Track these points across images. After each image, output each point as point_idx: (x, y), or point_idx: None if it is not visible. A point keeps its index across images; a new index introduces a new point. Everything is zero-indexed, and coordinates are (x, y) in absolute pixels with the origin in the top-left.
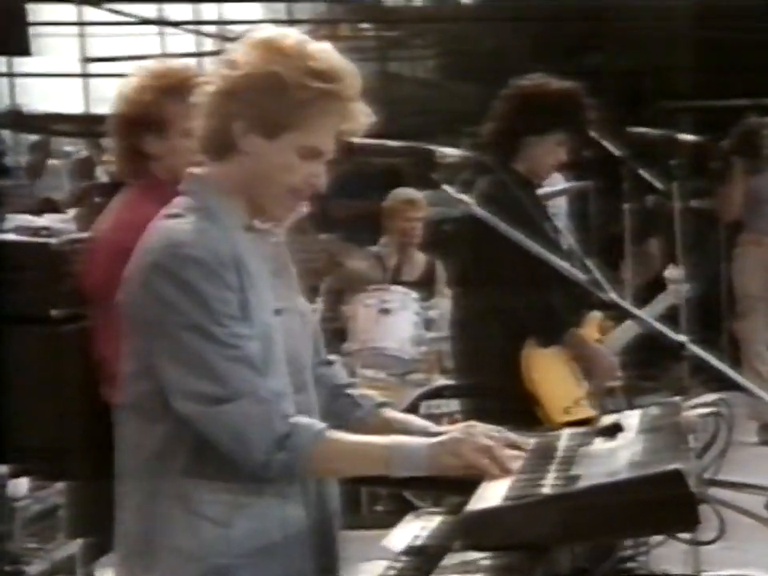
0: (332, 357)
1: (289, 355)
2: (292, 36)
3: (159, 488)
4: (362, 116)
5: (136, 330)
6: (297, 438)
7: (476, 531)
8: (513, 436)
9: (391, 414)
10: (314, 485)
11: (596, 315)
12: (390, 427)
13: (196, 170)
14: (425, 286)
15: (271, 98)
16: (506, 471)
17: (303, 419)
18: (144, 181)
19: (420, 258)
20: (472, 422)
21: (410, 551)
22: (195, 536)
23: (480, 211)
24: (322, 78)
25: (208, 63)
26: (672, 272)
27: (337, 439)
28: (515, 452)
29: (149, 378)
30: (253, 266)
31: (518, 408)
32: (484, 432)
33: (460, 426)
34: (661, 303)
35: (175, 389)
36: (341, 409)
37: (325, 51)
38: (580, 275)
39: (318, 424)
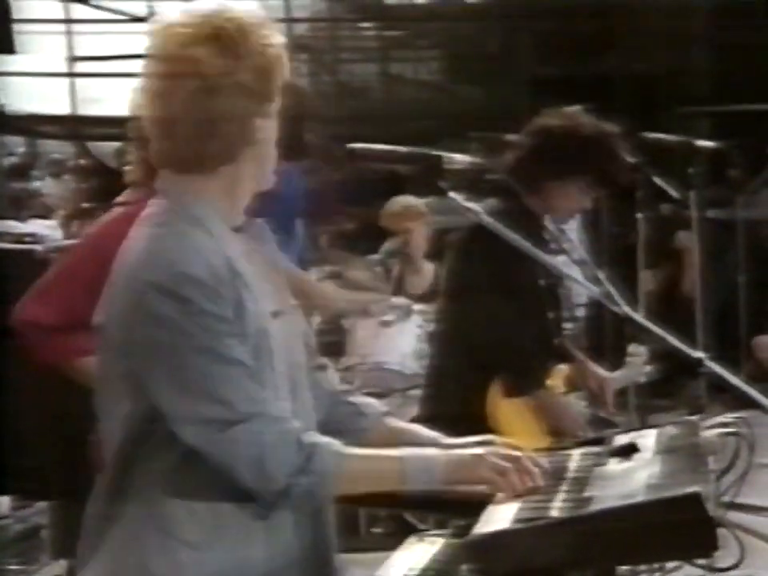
0: (323, 361)
1: (287, 361)
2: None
3: (132, 506)
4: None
5: (125, 353)
6: (320, 460)
7: (484, 555)
8: (536, 457)
9: (397, 423)
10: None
11: (563, 368)
12: (396, 438)
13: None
14: (433, 298)
15: (270, 78)
16: (520, 495)
17: (320, 438)
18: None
19: (428, 269)
20: (492, 439)
21: None
22: (169, 559)
23: (489, 220)
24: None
25: None
26: (635, 349)
27: (352, 455)
28: (538, 470)
29: (134, 400)
30: (246, 271)
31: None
32: (506, 452)
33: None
34: (620, 380)
35: (182, 416)
36: (343, 417)
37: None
38: (593, 288)
39: (335, 443)
